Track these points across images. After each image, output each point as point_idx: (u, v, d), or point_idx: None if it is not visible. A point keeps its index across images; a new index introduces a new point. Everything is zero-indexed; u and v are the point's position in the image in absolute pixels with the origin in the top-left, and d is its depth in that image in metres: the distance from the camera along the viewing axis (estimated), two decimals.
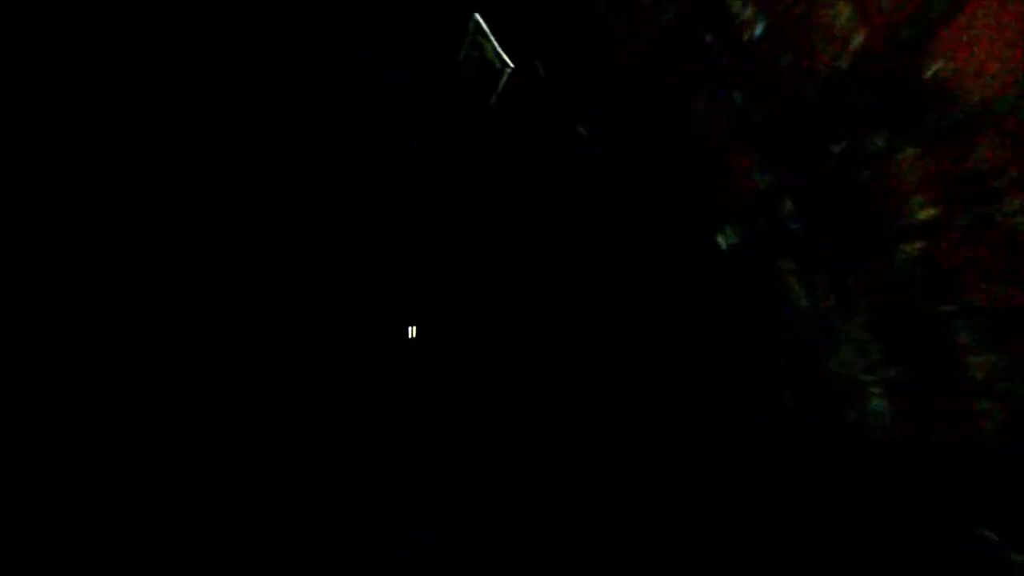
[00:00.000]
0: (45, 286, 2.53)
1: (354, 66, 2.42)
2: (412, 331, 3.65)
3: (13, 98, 2.06)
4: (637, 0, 1.35)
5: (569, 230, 2.45)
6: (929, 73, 0.86)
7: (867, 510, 1.37)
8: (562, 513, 2.97)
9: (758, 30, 1.09)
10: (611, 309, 2.39)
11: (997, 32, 0.77)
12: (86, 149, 2.38)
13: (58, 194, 2.42)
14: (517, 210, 2.76)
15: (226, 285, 3.07)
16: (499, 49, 1.69)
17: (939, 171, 0.90)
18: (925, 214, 0.95)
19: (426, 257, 3.59)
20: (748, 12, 1.09)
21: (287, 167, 2.92)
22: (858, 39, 0.92)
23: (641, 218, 1.91)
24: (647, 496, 2.60)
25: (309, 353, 3.32)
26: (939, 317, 1.00)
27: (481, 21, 1.67)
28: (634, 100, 1.60)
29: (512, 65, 1.86)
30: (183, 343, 2.92)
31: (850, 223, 1.11)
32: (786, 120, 1.14)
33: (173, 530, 2.63)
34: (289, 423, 3.11)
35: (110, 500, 2.55)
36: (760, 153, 1.26)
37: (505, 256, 3.09)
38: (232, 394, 3.00)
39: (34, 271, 2.48)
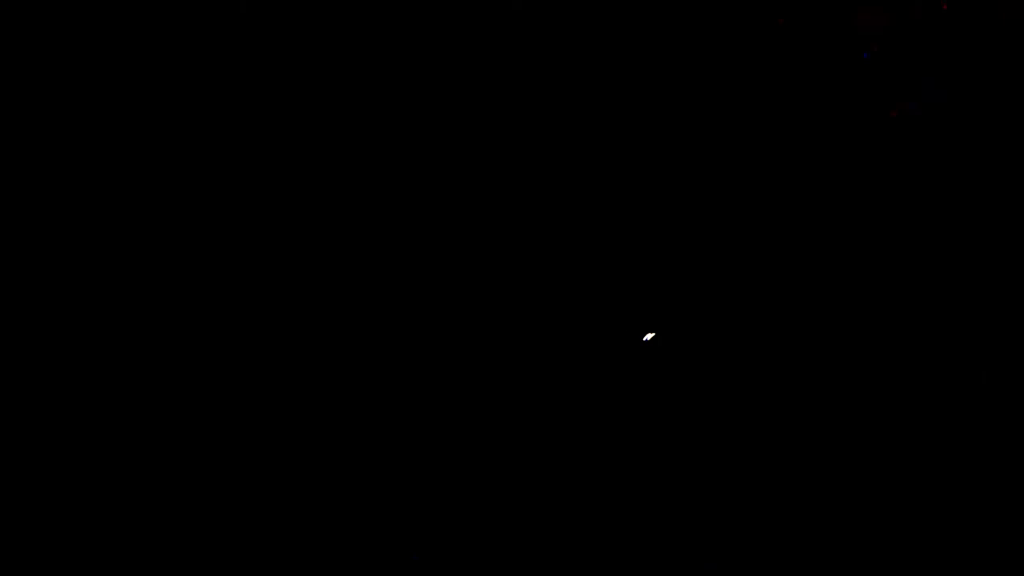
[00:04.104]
0: (45, 285, 2.53)
1: (354, 66, 2.42)
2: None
3: (13, 98, 2.07)
4: None
5: (566, 231, 2.45)
6: None
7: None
8: (562, 513, 2.97)
9: None
10: (610, 308, 2.38)
11: None
12: (85, 148, 2.38)
13: (57, 194, 2.43)
14: (517, 210, 2.76)
15: (225, 284, 3.07)
16: None
17: None
18: None
19: (427, 257, 3.59)
20: None
21: (287, 167, 2.92)
22: None
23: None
24: (648, 497, 2.60)
25: (309, 352, 3.32)
26: None
27: None
28: None
29: None
30: (182, 343, 2.92)
31: None
32: None
33: (173, 530, 2.63)
34: (289, 423, 3.12)
35: (110, 500, 2.56)
36: None
37: (507, 256, 3.09)
38: (231, 394, 3.00)
39: (34, 271, 2.48)
